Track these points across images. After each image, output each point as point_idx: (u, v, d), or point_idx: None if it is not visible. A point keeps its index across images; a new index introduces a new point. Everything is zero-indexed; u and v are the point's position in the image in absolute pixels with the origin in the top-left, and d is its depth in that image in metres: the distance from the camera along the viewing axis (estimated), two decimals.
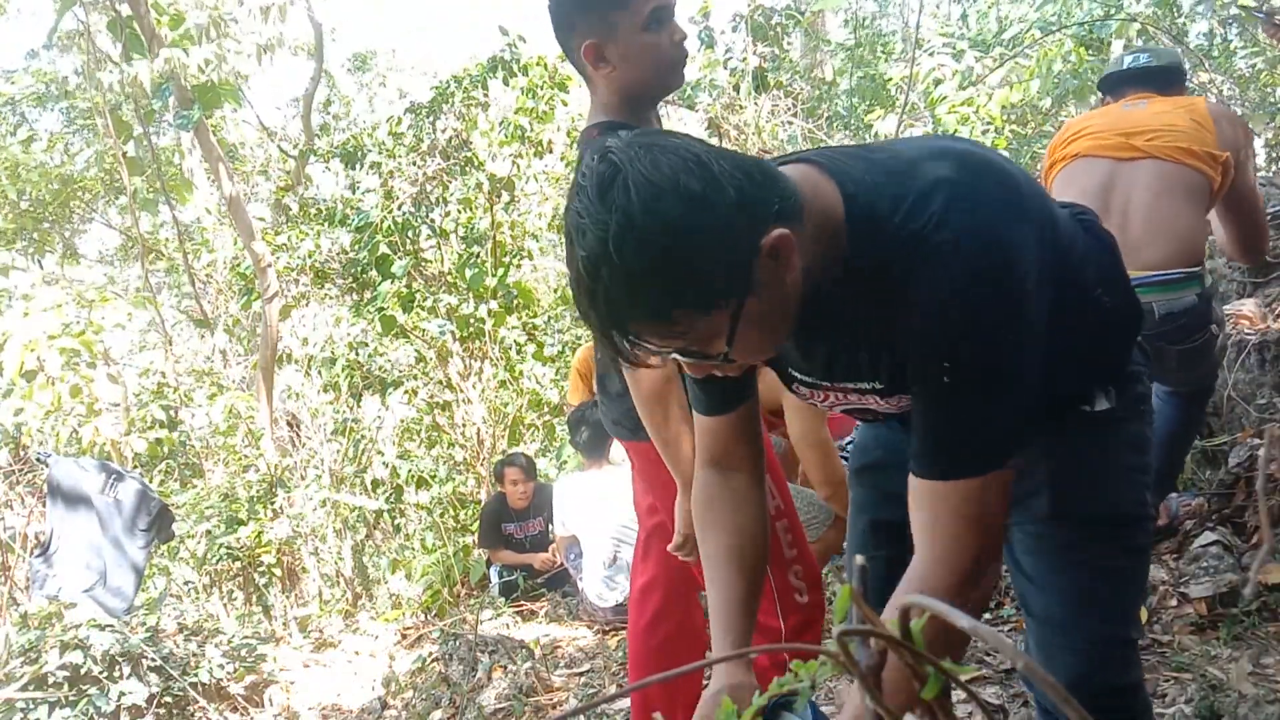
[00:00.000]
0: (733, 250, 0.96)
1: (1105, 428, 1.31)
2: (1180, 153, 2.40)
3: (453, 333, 6.25)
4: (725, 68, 6.68)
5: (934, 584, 1.07)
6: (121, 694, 3.35)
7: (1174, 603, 2.57)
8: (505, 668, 3.47)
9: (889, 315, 1.06)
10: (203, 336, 8.35)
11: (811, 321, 1.10)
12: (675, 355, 1.04)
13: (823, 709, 1.20)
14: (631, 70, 1.69)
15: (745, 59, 6.52)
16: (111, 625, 3.62)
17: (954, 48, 6.38)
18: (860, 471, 1.57)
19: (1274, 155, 7.09)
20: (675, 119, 6.94)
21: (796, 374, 1.27)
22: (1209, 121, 2.42)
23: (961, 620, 0.45)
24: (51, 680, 3.38)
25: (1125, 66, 2.67)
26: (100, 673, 3.40)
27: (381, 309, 6.03)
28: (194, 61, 5.91)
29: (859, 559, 0.56)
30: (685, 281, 0.95)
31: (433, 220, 6.37)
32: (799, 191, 1.03)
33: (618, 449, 4.74)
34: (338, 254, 6.49)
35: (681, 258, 0.94)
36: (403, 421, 6.64)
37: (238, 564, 5.34)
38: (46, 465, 4.37)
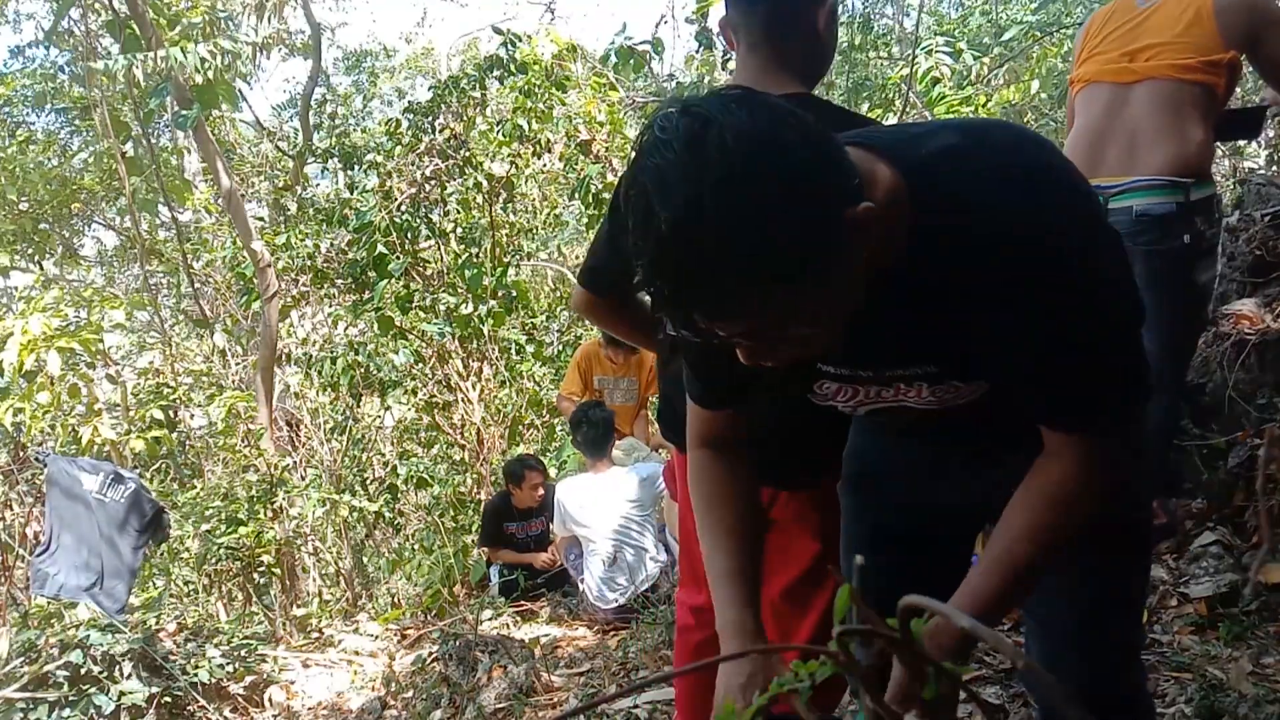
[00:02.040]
0: (828, 216, 0.87)
1: None
2: (1178, 69, 2.45)
3: (452, 333, 6.25)
4: (725, 69, 6.67)
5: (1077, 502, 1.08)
6: (121, 694, 3.35)
7: (1174, 603, 2.57)
8: (505, 668, 3.47)
9: (967, 280, 0.98)
10: (202, 337, 8.35)
11: (870, 305, 1.01)
12: (741, 337, 0.95)
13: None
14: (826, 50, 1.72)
15: None
16: (112, 625, 3.62)
17: (952, 46, 6.38)
18: (858, 479, 1.48)
19: (1274, 155, 7.09)
20: None
21: (829, 368, 1.16)
22: (1211, 23, 2.44)
23: (961, 620, 0.45)
24: (51, 680, 3.38)
25: None
26: (100, 673, 3.40)
27: (379, 309, 6.04)
28: (190, 61, 5.91)
29: (858, 559, 0.56)
30: (783, 245, 0.84)
31: (431, 220, 6.37)
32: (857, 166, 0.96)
33: (619, 449, 4.75)
34: (337, 254, 6.50)
35: (781, 218, 0.83)
36: (402, 421, 6.64)
37: (237, 564, 5.34)
38: (44, 465, 4.37)
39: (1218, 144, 2.86)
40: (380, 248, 6.02)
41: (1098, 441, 1.06)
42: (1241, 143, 7.07)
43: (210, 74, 6.12)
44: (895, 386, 1.13)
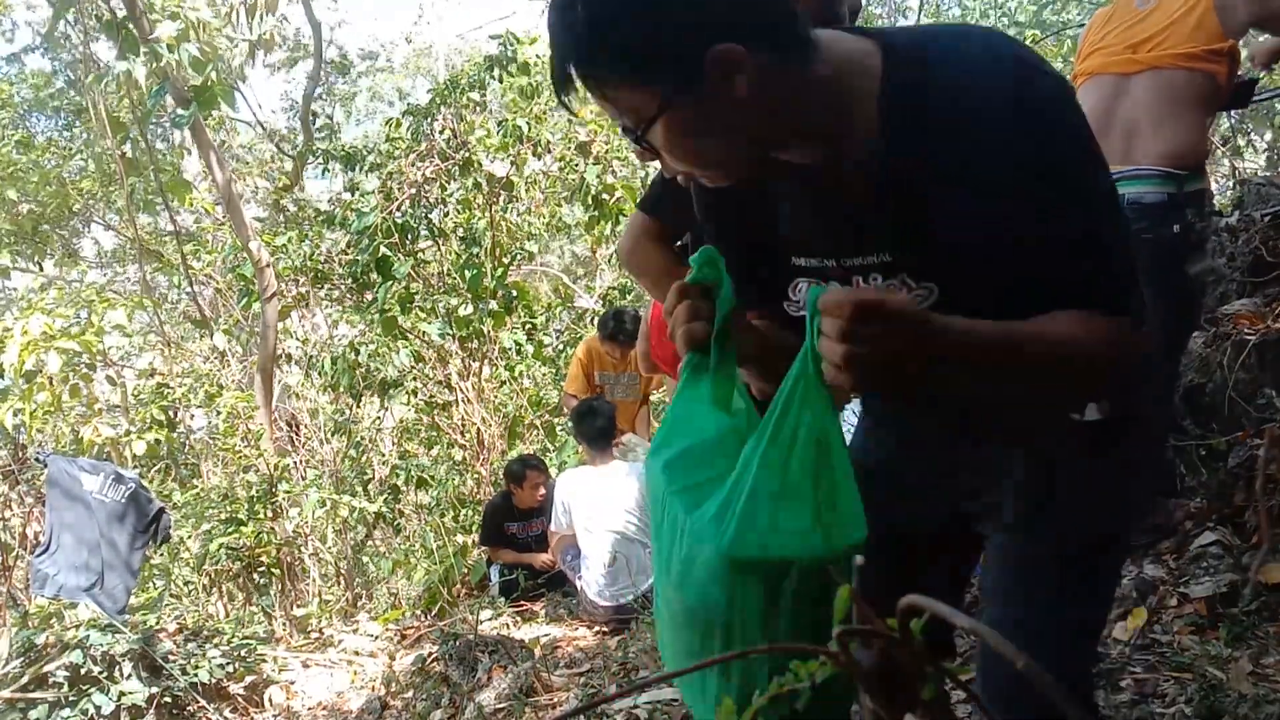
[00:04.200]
0: (680, 35, 0.94)
1: (1093, 443, 1.21)
2: (1181, 58, 2.47)
3: (452, 334, 6.25)
4: None
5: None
6: (121, 694, 3.35)
7: (1174, 603, 2.57)
8: (505, 668, 3.47)
9: (934, 159, 0.98)
10: (201, 337, 8.35)
11: (830, 184, 1.05)
12: (626, 132, 1.04)
13: None
14: None
15: None
16: (112, 625, 3.62)
17: None
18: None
19: (1274, 156, 7.10)
20: None
21: (800, 260, 1.16)
22: (1213, 16, 2.46)
23: (961, 620, 0.45)
24: (51, 680, 3.38)
25: None
26: (100, 673, 3.40)
27: (384, 310, 6.04)
28: (184, 57, 5.90)
29: (858, 559, 0.56)
30: (634, 42, 0.95)
31: (431, 221, 6.37)
32: (816, 38, 1.00)
33: (623, 445, 4.75)
34: (337, 255, 6.50)
35: (639, 18, 0.94)
36: (402, 422, 6.64)
37: (237, 564, 5.34)
38: (45, 465, 4.37)
39: (1215, 138, 2.87)
40: (383, 249, 6.03)
41: (1106, 313, 1.01)
42: (1241, 143, 7.07)
43: (205, 73, 6.12)
44: (853, 283, 1.11)
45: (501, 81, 6.12)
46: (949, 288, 1.06)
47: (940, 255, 1.04)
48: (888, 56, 1.01)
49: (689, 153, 1.03)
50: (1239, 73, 2.63)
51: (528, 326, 6.73)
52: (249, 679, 3.81)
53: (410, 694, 3.62)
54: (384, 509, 5.89)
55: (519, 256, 6.85)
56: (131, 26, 6.06)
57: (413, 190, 6.18)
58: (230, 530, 5.29)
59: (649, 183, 1.90)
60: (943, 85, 0.98)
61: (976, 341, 0.98)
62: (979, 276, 1.03)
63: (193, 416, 6.91)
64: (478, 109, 6.32)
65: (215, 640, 3.93)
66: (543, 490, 4.96)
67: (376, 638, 4.51)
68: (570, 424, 4.92)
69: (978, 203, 0.98)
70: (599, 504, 4.27)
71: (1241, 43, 2.58)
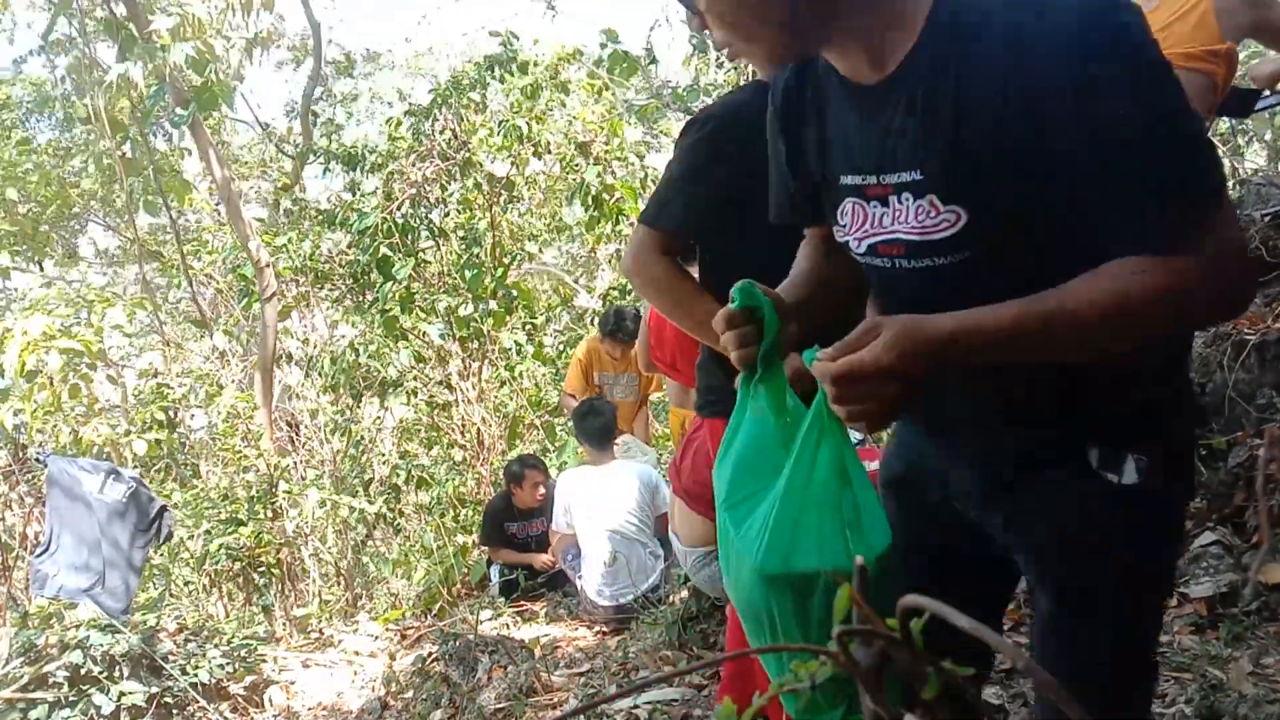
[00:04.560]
0: None
1: (1126, 507, 1.11)
2: (1180, 57, 2.47)
3: (452, 334, 6.25)
4: (720, 68, 6.68)
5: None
6: (121, 694, 3.35)
7: (1174, 603, 2.57)
8: (505, 668, 3.47)
9: (973, 66, 0.98)
10: (201, 337, 8.36)
11: (871, 91, 1.06)
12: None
13: None
14: None
15: (738, 64, 6.52)
16: (112, 625, 3.62)
17: None
18: (890, 485, 1.39)
19: (1274, 156, 7.10)
20: (676, 124, 6.95)
21: (846, 179, 1.15)
22: (1212, 17, 2.47)
23: (960, 620, 0.45)
24: (51, 680, 3.38)
25: None
26: (100, 673, 3.40)
27: (385, 310, 6.04)
28: (181, 56, 5.90)
29: (858, 559, 0.56)
30: None
31: (431, 221, 6.37)
32: None
33: (621, 446, 4.75)
34: (337, 255, 6.50)
35: None
36: (402, 422, 6.64)
37: (237, 564, 5.34)
38: (45, 465, 4.37)
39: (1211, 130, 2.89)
40: (384, 249, 6.03)
41: (1160, 250, 0.94)
42: (1241, 142, 7.07)
43: (205, 74, 6.12)
44: (890, 205, 1.10)
45: (503, 82, 6.13)
46: (979, 212, 1.03)
47: (970, 174, 1.01)
48: None
49: (736, 22, 1.05)
50: (1234, 81, 2.65)
51: (528, 326, 6.73)
52: (249, 679, 3.81)
53: (410, 694, 3.62)
54: (384, 509, 5.89)
55: (519, 257, 6.85)
56: (132, 27, 6.06)
57: (413, 190, 6.18)
58: (230, 530, 5.29)
59: (650, 196, 1.87)
60: (994, 8, 0.97)
61: (985, 332, 0.97)
62: (1011, 200, 1.00)
63: (193, 416, 6.91)
64: (478, 109, 6.32)
65: (215, 640, 3.93)
66: (542, 490, 4.96)
67: (376, 638, 4.51)
68: (571, 423, 4.92)
69: (1014, 115, 0.96)
70: (599, 504, 4.27)
71: (1241, 54, 2.59)
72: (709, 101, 7.18)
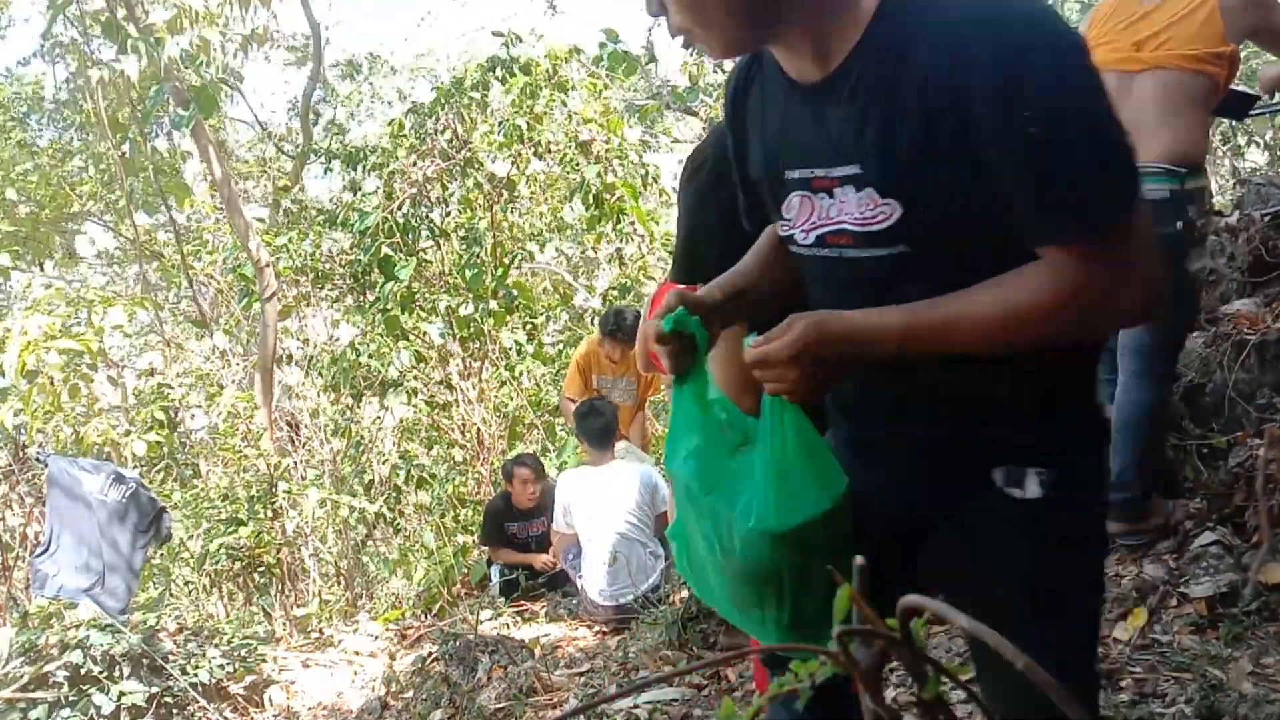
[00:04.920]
0: None
1: (1031, 521, 1.15)
2: (1184, 59, 2.49)
3: (452, 334, 6.25)
4: (720, 70, 6.68)
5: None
6: (121, 694, 3.35)
7: (1174, 603, 2.56)
8: (505, 668, 3.47)
9: (909, 67, 1.03)
10: (201, 337, 8.36)
11: (815, 85, 1.12)
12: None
13: None
14: None
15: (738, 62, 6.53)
16: (112, 625, 3.62)
17: None
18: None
19: (1275, 156, 7.09)
20: (676, 124, 6.95)
21: (790, 173, 1.21)
22: (1217, 19, 2.48)
23: (961, 620, 0.45)
24: (51, 680, 3.38)
25: None
26: (100, 673, 3.40)
27: (386, 309, 6.04)
28: (176, 51, 5.89)
29: (858, 559, 0.56)
30: None
31: (432, 221, 6.37)
32: None
33: (618, 451, 4.75)
34: (338, 255, 6.50)
35: None
36: (402, 422, 6.64)
37: (237, 564, 5.34)
38: (45, 465, 4.37)
39: (1212, 130, 2.90)
40: (385, 249, 6.03)
41: (1083, 252, 1.01)
42: (1242, 142, 7.07)
43: (203, 73, 6.12)
44: (835, 197, 1.15)
45: (504, 82, 6.13)
46: (911, 206, 1.08)
47: (904, 169, 1.06)
48: None
49: (694, 6, 1.10)
50: (1234, 82, 2.65)
51: (528, 326, 6.73)
52: (249, 679, 3.80)
53: (410, 694, 3.62)
54: (384, 509, 5.89)
55: (520, 256, 6.85)
56: (132, 27, 6.06)
57: (414, 190, 6.18)
58: (230, 530, 5.29)
59: (673, 256, 1.94)
60: (931, 11, 1.03)
61: (883, 332, 1.09)
62: (944, 196, 1.05)
63: (193, 416, 6.91)
64: (480, 109, 6.32)
65: (215, 640, 3.93)
66: (533, 488, 4.96)
67: (376, 638, 4.51)
68: (572, 424, 4.92)
69: (943, 114, 1.01)
70: (599, 504, 4.27)
71: (1243, 58, 2.60)
72: (708, 102, 7.21)
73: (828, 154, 1.14)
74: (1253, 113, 2.93)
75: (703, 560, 1.34)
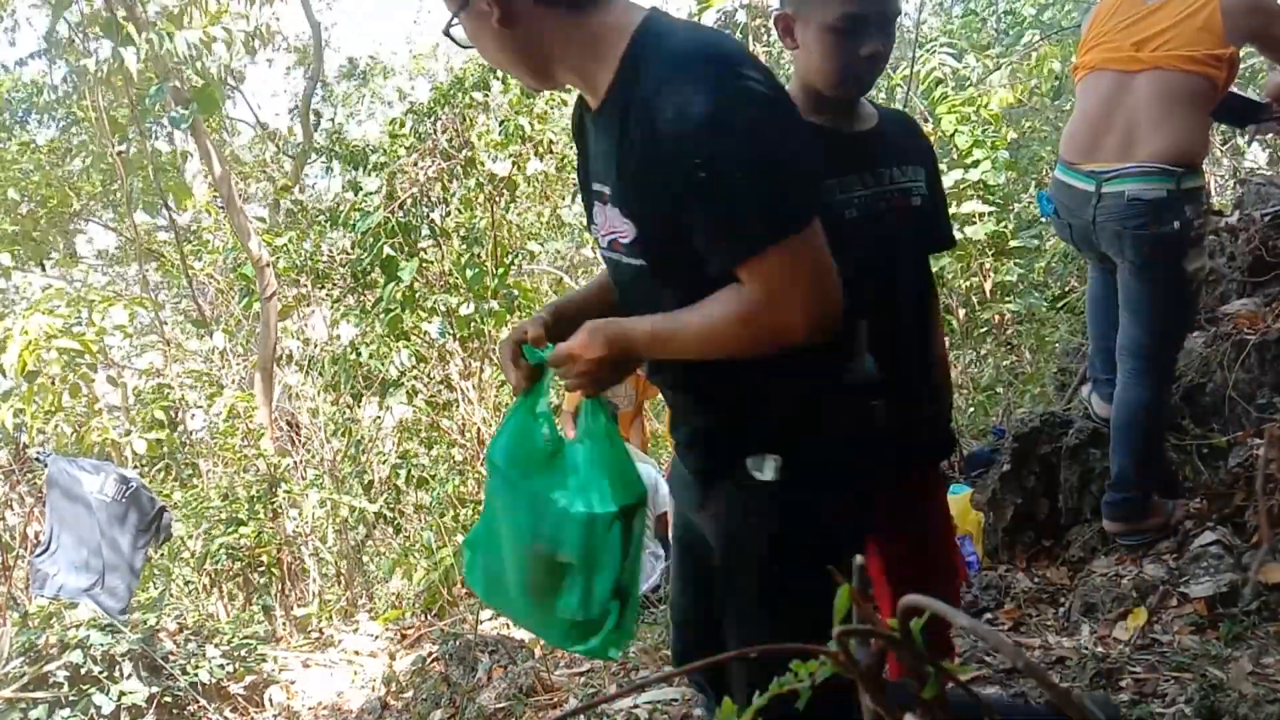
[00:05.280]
0: None
1: (767, 501, 1.34)
2: (1183, 60, 2.49)
3: (453, 334, 6.25)
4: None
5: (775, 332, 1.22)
6: (121, 694, 3.35)
7: (1174, 603, 2.57)
8: (505, 668, 3.47)
9: (632, 113, 1.21)
10: (201, 337, 8.35)
11: (593, 116, 1.32)
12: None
13: None
14: (807, 59, 1.62)
15: None
16: (112, 625, 3.62)
17: (955, 47, 6.37)
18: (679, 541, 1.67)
19: (1275, 156, 7.09)
20: None
21: (594, 185, 1.39)
22: (1218, 21, 2.47)
23: (961, 620, 0.45)
24: (51, 680, 3.38)
25: None
26: (100, 673, 3.40)
27: (389, 309, 6.04)
28: (180, 45, 5.89)
29: (859, 559, 0.56)
30: None
31: (433, 220, 6.37)
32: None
33: None
34: (338, 254, 6.49)
35: None
36: (402, 422, 6.64)
37: (237, 564, 5.34)
38: (45, 465, 4.37)
39: (1212, 130, 2.88)
40: (387, 249, 6.02)
41: (748, 275, 1.18)
42: (1242, 141, 7.07)
43: (202, 68, 6.11)
44: (607, 209, 1.34)
45: (504, 82, 6.13)
46: (641, 228, 1.27)
47: (629, 196, 1.26)
48: (642, 26, 1.24)
49: (481, 52, 1.35)
50: (1234, 85, 2.65)
51: None
52: (249, 679, 3.81)
53: (410, 694, 3.62)
54: (384, 509, 5.89)
55: (520, 256, 6.85)
56: (131, 28, 6.05)
57: (415, 190, 6.18)
58: (230, 530, 5.29)
59: None
60: (653, 59, 1.21)
61: (639, 336, 1.29)
62: (658, 224, 1.25)
63: (193, 416, 6.90)
64: (481, 109, 6.32)
65: (215, 640, 3.93)
66: None
67: (376, 638, 4.50)
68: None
69: (651, 154, 1.19)
70: None
71: (1245, 59, 2.60)
72: None
73: (597, 172, 1.35)
74: (1253, 123, 2.92)
75: (501, 561, 1.51)
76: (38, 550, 4.28)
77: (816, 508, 1.33)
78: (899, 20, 1.68)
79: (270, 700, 3.81)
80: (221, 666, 3.68)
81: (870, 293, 1.58)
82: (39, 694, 3.33)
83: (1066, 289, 6.39)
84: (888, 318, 1.61)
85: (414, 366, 6.36)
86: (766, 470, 1.33)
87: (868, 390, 1.48)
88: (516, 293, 6.53)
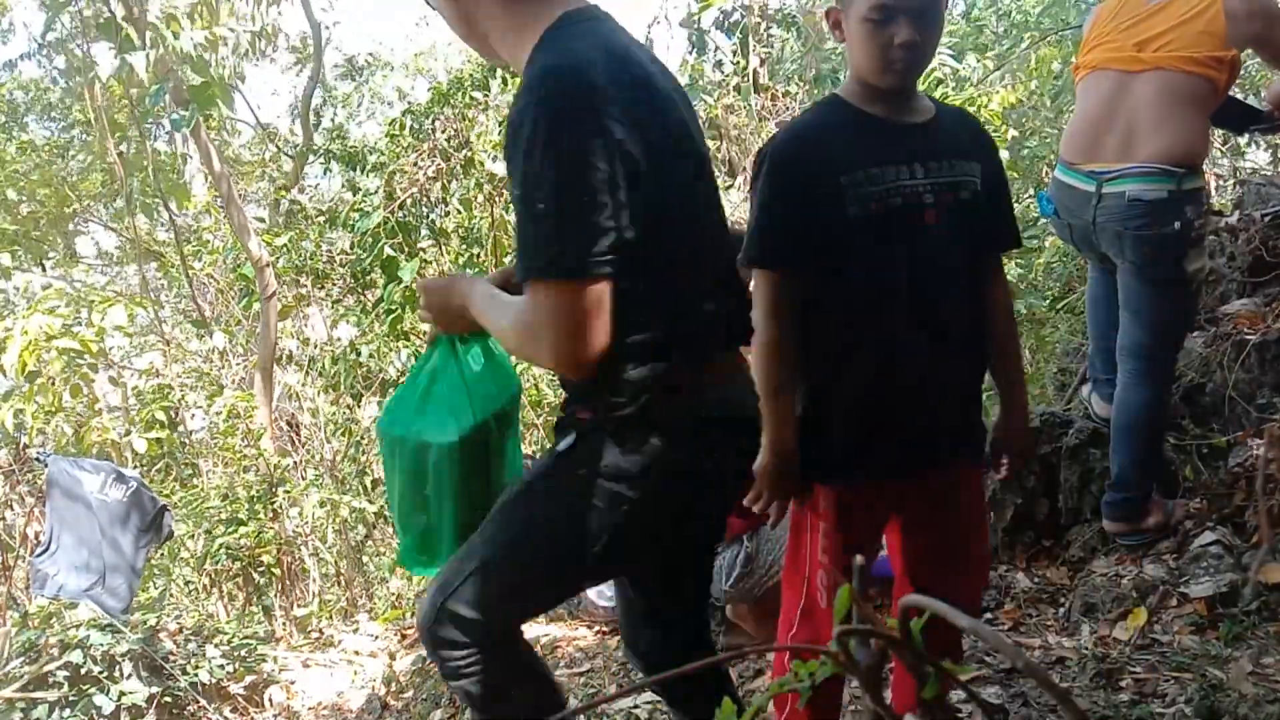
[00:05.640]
0: None
1: (558, 465, 1.50)
2: (1185, 61, 2.49)
3: None
4: (719, 70, 6.67)
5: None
6: (121, 694, 3.35)
7: (1174, 603, 2.57)
8: None
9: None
10: (201, 337, 8.35)
11: None
12: None
13: None
14: (852, 51, 1.68)
15: (738, 61, 6.52)
16: (112, 625, 3.62)
17: (955, 48, 6.38)
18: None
19: (1275, 156, 7.10)
20: None
21: None
22: (1221, 24, 2.48)
23: (961, 620, 0.45)
24: (51, 680, 3.38)
25: None
26: (100, 673, 3.40)
27: (389, 309, 6.04)
28: (183, 45, 5.88)
29: (858, 558, 0.56)
30: None
31: (432, 221, 6.37)
32: None
33: None
34: (338, 254, 6.49)
35: None
36: None
37: (238, 564, 5.34)
38: (45, 465, 4.37)
39: (1212, 132, 2.88)
40: (388, 249, 6.02)
41: (527, 296, 1.29)
42: (1242, 141, 7.07)
43: (203, 64, 6.10)
44: None
45: (504, 82, 6.13)
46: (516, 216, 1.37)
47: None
48: (550, 29, 1.35)
49: (446, 20, 1.50)
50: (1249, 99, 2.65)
51: None
52: (249, 679, 3.80)
53: (410, 694, 3.62)
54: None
55: None
56: (130, 29, 6.05)
57: (414, 190, 6.18)
58: (230, 530, 5.29)
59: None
60: (529, 67, 1.33)
61: (475, 299, 1.46)
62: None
63: (193, 416, 6.91)
64: (480, 108, 6.32)
65: (215, 640, 3.93)
66: None
67: (376, 638, 4.50)
68: None
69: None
70: None
71: (1245, 61, 2.60)
72: (708, 101, 7.19)
73: None
74: (1253, 129, 2.93)
75: (404, 528, 1.70)
76: (38, 550, 4.27)
77: (594, 484, 1.43)
78: (944, 11, 1.70)
79: (270, 700, 3.81)
80: (221, 667, 3.68)
81: (903, 283, 1.61)
82: (39, 694, 3.33)
83: (1066, 289, 6.39)
84: (925, 309, 1.63)
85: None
86: (563, 444, 1.49)
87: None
88: None
